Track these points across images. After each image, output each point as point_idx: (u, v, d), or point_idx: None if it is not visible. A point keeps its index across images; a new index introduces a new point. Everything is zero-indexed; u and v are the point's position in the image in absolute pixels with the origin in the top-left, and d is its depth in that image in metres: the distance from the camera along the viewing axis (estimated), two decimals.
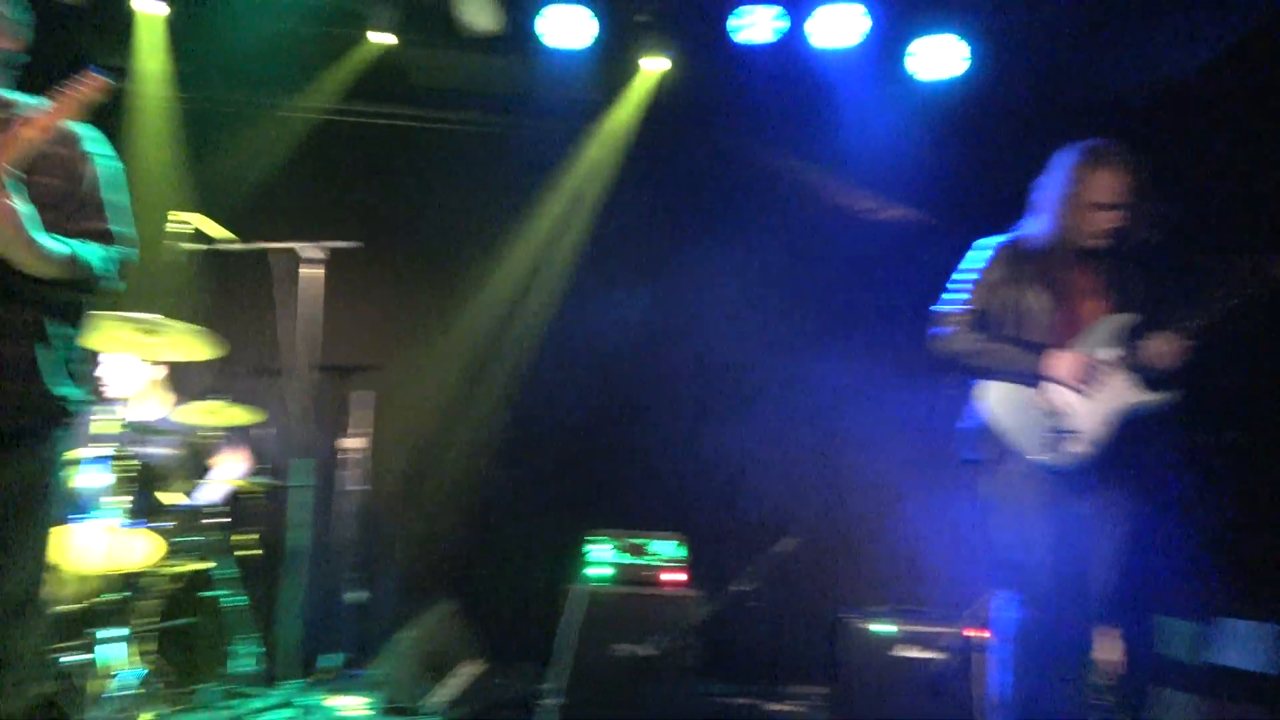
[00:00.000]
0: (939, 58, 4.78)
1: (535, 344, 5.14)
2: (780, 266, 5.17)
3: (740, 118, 5.19)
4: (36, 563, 2.13)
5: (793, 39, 4.73)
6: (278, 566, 4.12)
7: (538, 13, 4.67)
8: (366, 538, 4.61)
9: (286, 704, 3.68)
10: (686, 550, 3.92)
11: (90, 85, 1.86)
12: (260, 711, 3.64)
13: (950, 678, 3.66)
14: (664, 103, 5.14)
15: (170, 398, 4.22)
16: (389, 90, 5.10)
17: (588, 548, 3.88)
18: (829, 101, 4.95)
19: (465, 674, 3.92)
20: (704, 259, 5.14)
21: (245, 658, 3.88)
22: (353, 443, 4.47)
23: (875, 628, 3.82)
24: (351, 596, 4.37)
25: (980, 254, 2.95)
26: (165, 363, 4.10)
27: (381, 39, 4.80)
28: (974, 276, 2.92)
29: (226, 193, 4.78)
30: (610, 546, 3.88)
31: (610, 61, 4.95)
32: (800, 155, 5.17)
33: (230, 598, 3.85)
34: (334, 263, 4.07)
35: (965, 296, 2.91)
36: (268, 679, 3.93)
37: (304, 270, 3.99)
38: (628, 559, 3.87)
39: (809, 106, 5.02)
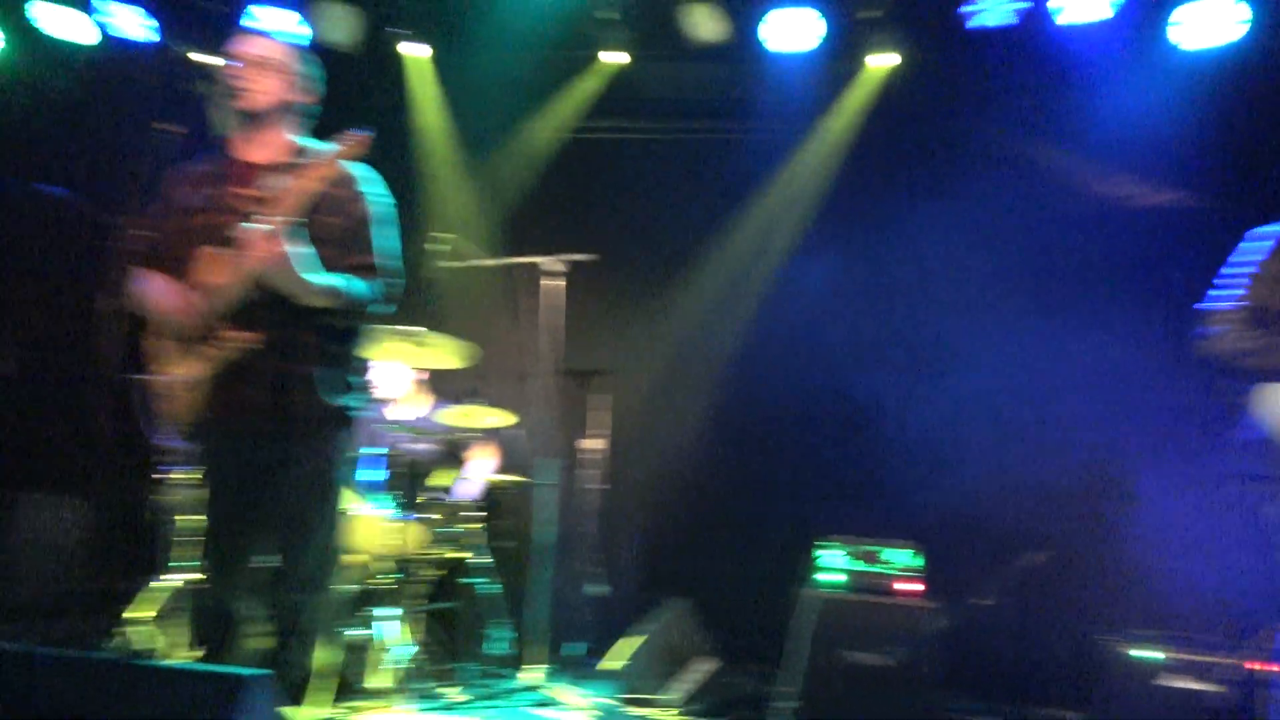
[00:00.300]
0: (1208, 24, 4.32)
1: (764, 345, 5.16)
2: (1027, 261, 4.87)
3: (977, 106, 4.95)
4: (327, 546, 2.45)
5: (1036, 18, 4.46)
6: (527, 558, 4.42)
7: (761, 19, 4.71)
8: (606, 534, 4.84)
9: (534, 687, 3.95)
10: (922, 559, 3.79)
11: (352, 143, 2.12)
12: (511, 692, 3.93)
13: (1229, 715, 3.29)
14: (892, 98, 5.01)
15: (429, 400, 4.64)
16: (621, 106, 5.33)
17: (818, 553, 3.86)
18: (1079, 81, 4.62)
19: (699, 670, 4.01)
20: (938, 256, 4.95)
21: (498, 641, 4.20)
22: (592, 443, 4.70)
23: (1137, 653, 3.51)
24: (593, 589, 4.60)
25: (1257, 244, 2.64)
26: (425, 368, 4.51)
27: (613, 58, 5.03)
28: (1251, 269, 2.62)
29: (481, 212, 5.21)
30: (842, 552, 3.83)
31: (835, 61, 4.91)
32: (1047, 141, 4.85)
33: (486, 585, 4.18)
34: (574, 272, 4.31)
35: (1240, 292, 2.62)
36: (518, 662, 4.23)
37: (547, 282, 4.26)
38: (861, 566, 3.81)
39: (1056, 88, 4.71)
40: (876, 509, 4.66)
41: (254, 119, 2.41)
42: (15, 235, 5.52)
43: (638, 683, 3.96)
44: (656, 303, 5.38)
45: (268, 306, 2.30)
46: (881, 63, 4.93)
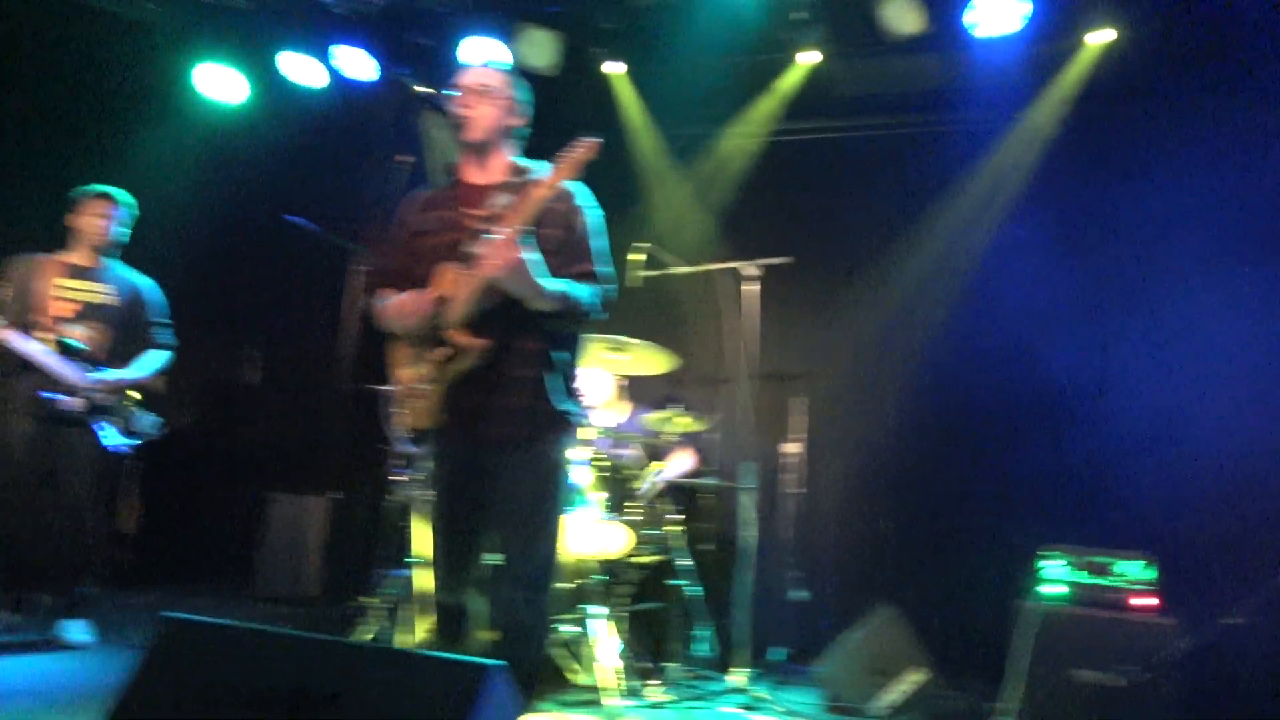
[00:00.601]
0: None
1: (966, 341, 4.90)
2: (1266, 236, 4.41)
3: (1208, 76, 4.53)
4: (551, 547, 2.55)
5: None
6: (729, 562, 4.44)
7: (967, 5, 4.51)
8: (806, 539, 4.78)
9: (739, 690, 3.96)
10: (1156, 571, 3.50)
11: (584, 149, 2.21)
12: (717, 695, 3.95)
13: None
14: (1106, 75, 4.67)
15: (627, 406, 4.76)
16: (816, 106, 5.26)
17: (1040, 563, 3.64)
18: None
19: (910, 681, 3.89)
20: (1159, 236, 4.57)
21: (702, 643, 4.23)
22: (790, 447, 4.67)
23: None
24: (795, 595, 4.55)
25: None
26: (626, 374, 4.63)
27: (808, 58, 4.98)
28: None
29: (684, 220, 5.29)
30: (1064, 563, 3.60)
31: (1044, 43, 4.63)
32: None
33: (689, 587, 4.23)
34: (769, 275, 4.28)
35: None
36: (722, 665, 4.25)
37: (744, 286, 4.27)
38: (1085, 578, 3.56)
39: None
40: (1099, 513, 4.35)
41: (478, 144, 2.56)
42: (265, 262, 6.18)
43: (843, 691, 3.88)
44: (853, 302, 5.24)
45: (497, 316, 2.43)
46: (1099, 39, 4.62)
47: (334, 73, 5.44)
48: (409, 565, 4.04)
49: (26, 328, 3.84)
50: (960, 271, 4.98)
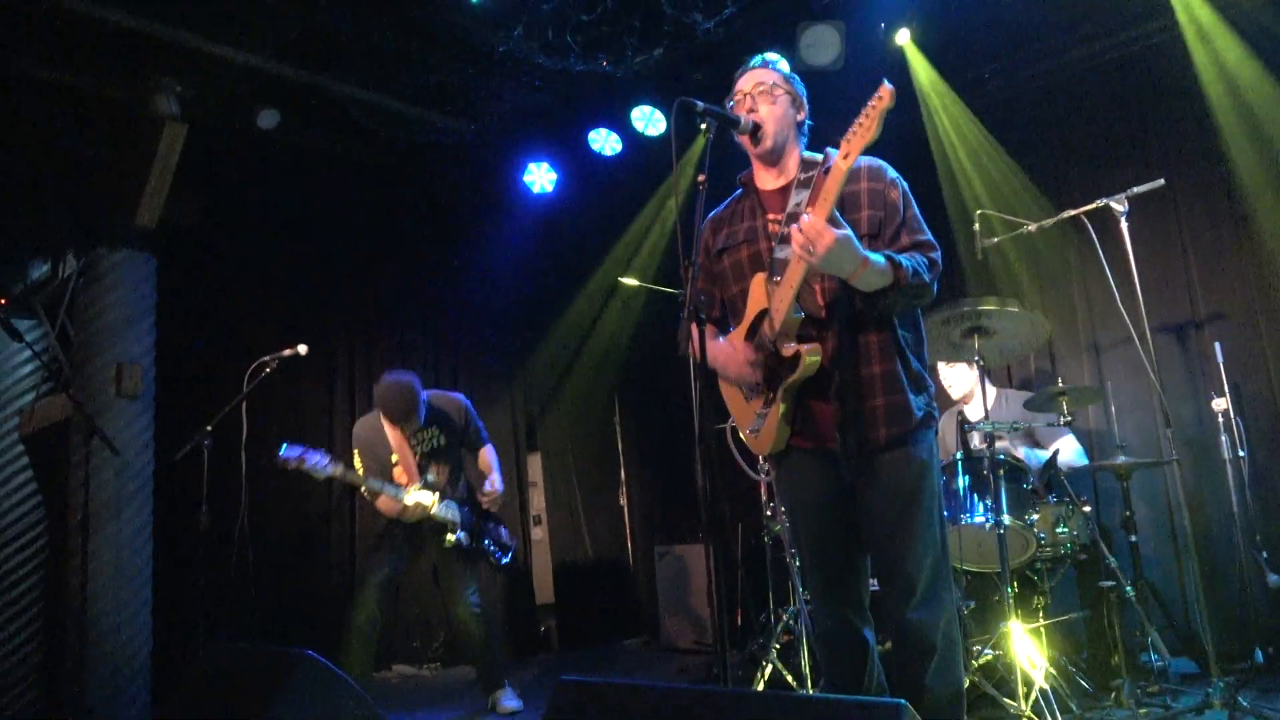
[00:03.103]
0: None
1: None
2: None
3: None
4: (935, 558, 2.27)
5: None
6: (1165, 550, 3.75)
7: None
8: (1264, 511, 3.93)
9: (1211, 704, 3.25)
10: None
11: (879, 99, 1.96)
12: (1183, 711, 3.28)
13: None
14: None
15: (1001, 393, 4.25)
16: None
17: None
18: None
19: None
20: None
21: (1154, 650, 3.57)
22: (1220, 404, 3.88)
23: None
24: (1273, 580, 3.73)
25: None
26: (992, 360, 4.12)
27: None
28: None
29: (1008, 178, 4.73)
30: None
31: None
32: None
33: (1120, 586, 3.61)
34: (1137, 210, 3.60)
35: None
36: (1187, 674, 3.55)
37: (1107, 228, 3.64)
38: None
39: None
40: None
41: (772, 148, 2.42)
42: (611, 327, 6.55)
43: None
44: (1253, 218, 4.25)
45: (830, 315, 2.27)
46: None
47: (631, 135, 5.65)
48: (799, 601, 3.87)
49: (389, 479, 4.12)
50: None
